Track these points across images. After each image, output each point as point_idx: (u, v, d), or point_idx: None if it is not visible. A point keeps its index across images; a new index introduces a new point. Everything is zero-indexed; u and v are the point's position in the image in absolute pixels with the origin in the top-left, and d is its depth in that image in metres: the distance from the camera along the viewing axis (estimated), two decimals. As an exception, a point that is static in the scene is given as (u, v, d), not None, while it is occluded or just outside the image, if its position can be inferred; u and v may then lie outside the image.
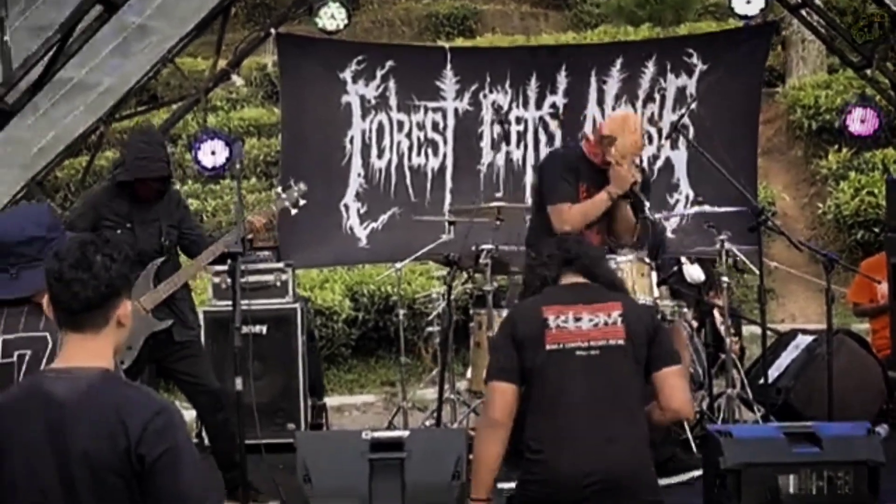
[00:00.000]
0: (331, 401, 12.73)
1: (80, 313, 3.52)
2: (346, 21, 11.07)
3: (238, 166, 8.03)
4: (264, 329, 9.65)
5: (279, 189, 8.22)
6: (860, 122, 11.11)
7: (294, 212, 8.15)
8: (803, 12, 12.02)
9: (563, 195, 7.93)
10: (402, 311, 10.54)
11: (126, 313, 3.60)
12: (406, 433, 7.12)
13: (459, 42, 23.04)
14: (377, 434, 7.09)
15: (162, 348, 7.77)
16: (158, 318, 7.71)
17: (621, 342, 5.18)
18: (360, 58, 11.54)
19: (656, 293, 9.07)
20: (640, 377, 5.25)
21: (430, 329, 10.77)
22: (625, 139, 7.90)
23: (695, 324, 10.26)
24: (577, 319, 5.20)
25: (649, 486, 5.25)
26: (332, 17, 11.00)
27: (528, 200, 11.63)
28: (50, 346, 4.06)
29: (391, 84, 11.58)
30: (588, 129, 11.06)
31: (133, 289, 7.42)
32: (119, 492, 3.40)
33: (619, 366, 5.17)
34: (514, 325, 5.32)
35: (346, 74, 11.47)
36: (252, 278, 9.24)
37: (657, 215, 9.94)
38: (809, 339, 9.81)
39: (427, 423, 9.69)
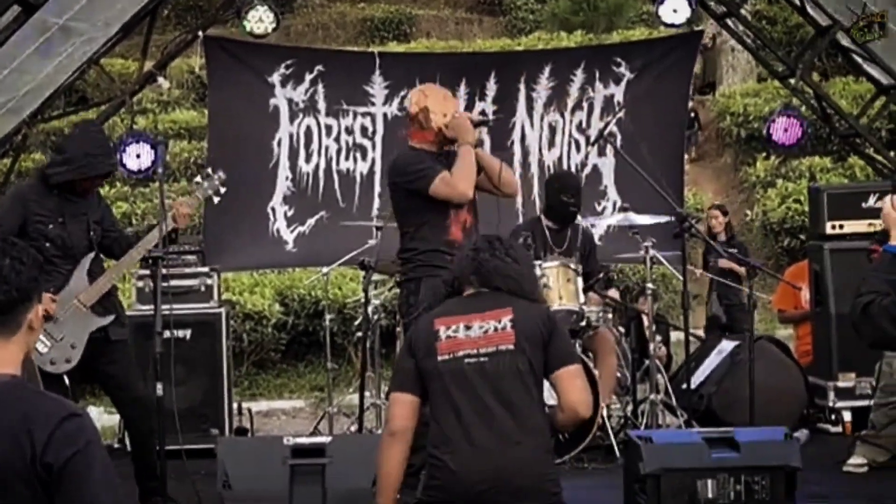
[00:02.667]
0: (259, 406, 12.72)
1: None
2: (274, 25, 10.94)
3: (161, 169, 7.89)
4: (188, 334, 9.61)
5: (199, 178, 8.07)
6: (783, 130, 11.16)
7: (217, 200, 8.08)
8: (729, 22, 12.09)
9: (436, 170, 7.31)
10: (329, 317, 10.56)
11: (38, 317, 3.47)
12: (328, 439, 7.13)
13: (393, 47, 23.05)
14: (299, 440, 7.08)
15: (97, 346, 7.50)
16: (97, 313, 7.48)
17: (510, 347, 5.17)
18: (288, 62, 11.47)
19: (582, 299, 9.14)
20: (535, 381, 5.25)
21: (359, 334, 10.75)
22: (434, 101, 7.57)
23: (622, 329, 10.34)
24: (468, 328, 5.22)
25: (547, 490, 5.23)
26: (259, 21, 10.88)
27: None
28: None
29: (320, 88, 11.51)
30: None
31: (69, 285, 7.41)
32: (26, 501, 3.28)
33: (509, 371, 5.15)
34: (411, 339, 5.37)
35: (275, 78, 11.40)
36: (176, 282, 9.17)
37: (585, 222, 10.02)
38: (732, 345, 9.91)
39: (351, 429, 9.69)
